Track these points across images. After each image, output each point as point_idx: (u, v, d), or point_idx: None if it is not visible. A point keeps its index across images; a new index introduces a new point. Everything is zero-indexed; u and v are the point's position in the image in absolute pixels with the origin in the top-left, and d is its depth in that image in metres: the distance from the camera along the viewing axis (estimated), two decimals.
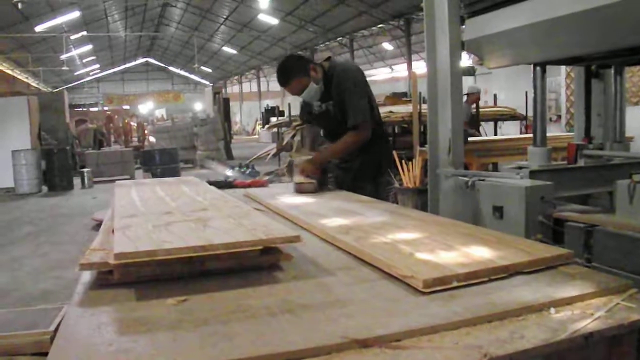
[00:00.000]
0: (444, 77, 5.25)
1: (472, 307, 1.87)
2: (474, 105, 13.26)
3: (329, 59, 5.17)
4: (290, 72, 4.90)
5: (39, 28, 34.85)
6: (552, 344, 1.63)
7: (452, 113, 5.19)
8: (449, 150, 5.24)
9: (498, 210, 4.48)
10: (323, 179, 5.04)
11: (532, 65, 5.20)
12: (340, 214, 3.56)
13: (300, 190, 4.67)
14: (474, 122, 12.95)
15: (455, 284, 2.06)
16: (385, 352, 1.60)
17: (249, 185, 5.37)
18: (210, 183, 5.06)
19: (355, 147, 5.05)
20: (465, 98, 12.61)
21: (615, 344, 1.83)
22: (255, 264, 2.41)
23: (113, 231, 2.66)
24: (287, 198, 4.42)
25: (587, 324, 1.75)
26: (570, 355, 1.73)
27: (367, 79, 5.28)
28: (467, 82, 11.83)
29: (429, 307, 1.90)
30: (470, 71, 5.99)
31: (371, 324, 1.76)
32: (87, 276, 2.39)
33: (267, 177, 15.08)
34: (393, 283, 2.17)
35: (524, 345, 1.61)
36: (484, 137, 12.02)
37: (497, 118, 15.10)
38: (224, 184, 5.42)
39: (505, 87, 25.72)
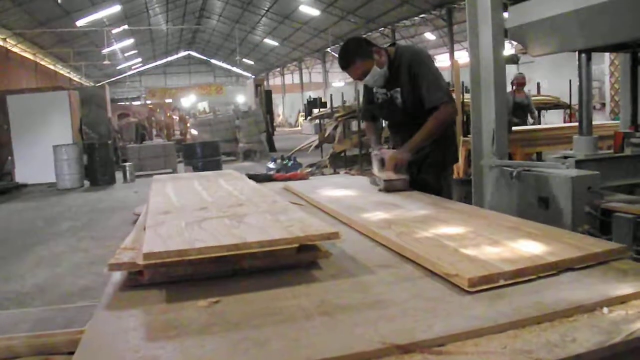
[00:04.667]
0: (487, 66, 5.16)
1: (520, 307, 1.76)
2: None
3: (393, 44, 4.78)
4: (353, 54, 4.46)
5: (80, 22, 35.19)
6: (606, 347, 1.52)
7: (496, 102, 5.10)
8: (493, 141, 5.14)
9: (543, 201, 4.38)
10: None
11: (576, 53, 5.08)
12: (381, 208, 3.45)
13: (391, 188, 4.11)
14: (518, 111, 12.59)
15: (501, 282, 1.96)
16: (427, 359, 1.50)
17: (289, 179, 5.29)
18: (250, 176, 4.98)
19: (444, 126, 4.53)
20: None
21: None
22: (292, 262, 2.33)
23: (145, 228, 2.61)
24: (327, 191, 4.31)
25: None
26: None
27: None
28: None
29: (474, 308, 1.79)
30: (513, 59, 5.87)
31: (412, 327, 1.66)
32: (118, 275, 2.32)
33: (309, 170, 15.10)
34: (436, 281, 2.07)
35: (577, 350, 1.49)
36: (527, 127, 11.80)
37: (541, 107, 14.90)
38: (262, 178, 5.35)
39: (548, 76, 25.39)
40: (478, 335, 1.61)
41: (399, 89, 4.56)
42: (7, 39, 32.09)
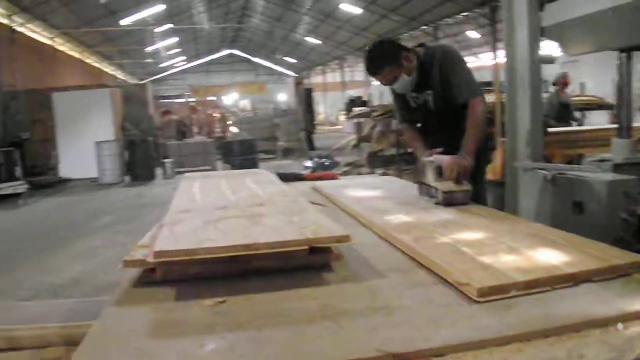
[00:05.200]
0: (523, 66, 5.06)
1: (528, 319, 1.70)
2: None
3: (421, 45, 4.56)
4: (381, 61, 4.22)
5: (124, 21, 35.57)
6: None
7: (531, 103, 5.01)
8: (528, 142, 5.04)
9: (578, 206, 4.27)
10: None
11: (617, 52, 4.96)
12: (404, 210, 3.39)
13: (452, 201, 3.56)
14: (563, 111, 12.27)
15: (514, 293, 1.89)
16: None
17: (319, 178, 5.25)
18: (280, 175, 4.93)
19: (484, 118, 4.22)
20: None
21: None
22: (305, 264, 2.30)
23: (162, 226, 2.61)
24: (353, 191, 4.26)
25: None
26: None
27: None
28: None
29: (480, 318, 1.74)
30: (549, 59, 5.75)
31: (414, 335, 1.62)
32: (134, 272, 2.34)
33: (346, 168, 15.03)
34: (448, 288, 2.02)
35: None
36: (567, 128, 11.58)
37: (584, 107, 14.63)
38: (292, 177, 5.31)
39: (593, 75, 25.00)
40: (480, 346, 1.56)
41: (430, 92, 4.37)
42: (54, 38, 32.53)
